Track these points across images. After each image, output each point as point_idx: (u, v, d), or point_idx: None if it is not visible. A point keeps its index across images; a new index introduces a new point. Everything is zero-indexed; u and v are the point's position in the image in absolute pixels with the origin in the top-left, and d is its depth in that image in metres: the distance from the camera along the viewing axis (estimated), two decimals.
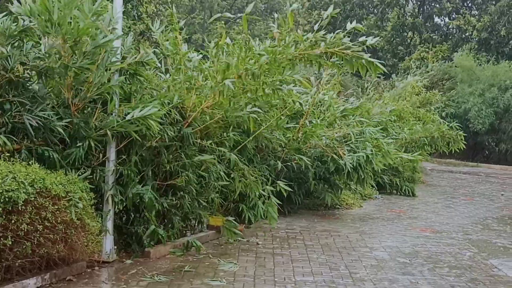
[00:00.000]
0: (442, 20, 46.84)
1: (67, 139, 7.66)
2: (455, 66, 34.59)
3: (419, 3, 44.56)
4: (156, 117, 7.99)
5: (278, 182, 10.83)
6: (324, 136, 13.17)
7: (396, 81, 32.77)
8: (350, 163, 12.66)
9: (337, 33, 9.33)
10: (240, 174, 10.03)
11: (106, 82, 7.88)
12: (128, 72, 8.37)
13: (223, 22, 44.85)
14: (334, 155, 12.81)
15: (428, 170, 25.50)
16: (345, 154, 12.76)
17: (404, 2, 44.06)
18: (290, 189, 11.13)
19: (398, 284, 8.09)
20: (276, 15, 9.95)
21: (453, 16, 42.35)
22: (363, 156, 12.89)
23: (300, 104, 12.64)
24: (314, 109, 13.48)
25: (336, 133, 13.38)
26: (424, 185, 21.03)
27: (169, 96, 8.94)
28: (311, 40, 9.34)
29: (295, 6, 9.86)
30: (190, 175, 9.07)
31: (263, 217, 10.08)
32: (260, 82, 9.45)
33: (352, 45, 9.23)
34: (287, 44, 9.32)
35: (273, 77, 9.63)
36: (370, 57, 9.29)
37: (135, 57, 8.29)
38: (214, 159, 9.40)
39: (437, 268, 9.08)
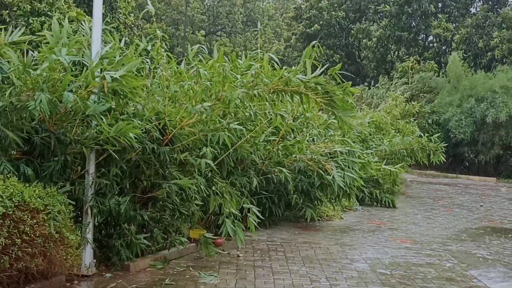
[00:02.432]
0: (423, 34, 47.26)
1: (43, 153, 7.63)
2: (444, 73, 34.86)
3: (408, 17, 44.93)
4: (135, 132, 7.91)
5: (251, 206, 10.65)
6: (308, 150, 13.18)
7: (378, 91, 33.04)
8: (342, 181, 12.71)
9: (315, 76, 9.33)
10: (216, 190, 10.03)
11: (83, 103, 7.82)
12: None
13: (204, 34, 44.96)
14: (319, 170, 12.84)
15: (408, 182, 25.64)
16: (332, 170, 12.79)
17: (395, 14, 44.34)
18: (260, 217, 10.95)
19: None
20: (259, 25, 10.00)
21: (433, 28, 42.74)
22: (350, 176, 13.00)
23: (282, 116, 12.62)
24: (294, 122, 13.47)
25: (321, 148, 13.40)
26: (404, 196, 21.13)
27: (150, 113, 8.87)
28: (283, 77, 9.35)
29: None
30: (172, 186, 9.05)
31: (231, 236, 9.93)
32: (240, 107, 9.54)
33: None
34: (260, 79, 9.33)
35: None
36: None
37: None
38: (193, 184, 9.34)
39: (417, 279, 9.11)
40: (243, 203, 10.64)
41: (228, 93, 9.15)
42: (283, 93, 9.53)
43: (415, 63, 39.00)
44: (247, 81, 9.26)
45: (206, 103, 8.93)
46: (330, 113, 9.73)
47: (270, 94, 9.57)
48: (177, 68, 10.67)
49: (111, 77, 7.69)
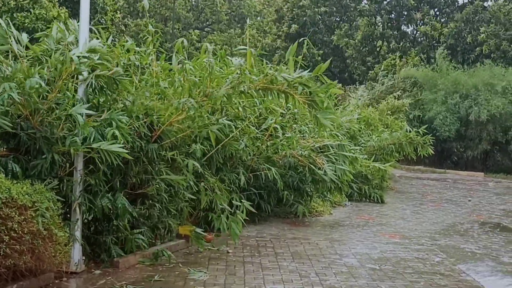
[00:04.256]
0: (409, 28, 47.42)
1: (30, 151, 7.60)
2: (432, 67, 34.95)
3: (388, 13, 45.12)
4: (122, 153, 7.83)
5: (243, 201, 10.65)
6: (298, 146, 13.20)
7: (364, 88, 33.03)
8: (334, 175, 12.75)
9: (299, 76, 9.32)
10: (206, 186, 10.01)
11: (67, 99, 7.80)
12: (97, 84, 8.24)
13: (198, 33, 44.83)
14: (310, 165, 12.85)
15: (396, 177, 25.72)
16: (324, 164, 12.81)
17: (375, 12, 44.58)
18: (253, 210, 10.99)
19: None
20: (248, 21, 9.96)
21: (421, 23, 42.92)
22: (341, 168, 13.05)
23: (273, 112, 12.59)
24: (282, 117, 13.47)
25: (311, 143, 13.42)
26: (393, 191, 21.19)
27: (139, 109, 8.84)
28: (268, 75, 9.35)
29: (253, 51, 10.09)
30: (161, 184, 9.03)
31: (225, 231, 9.98)
32: (228, 103, 9.52)
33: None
34: (246, 77, 9.33)
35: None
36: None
37: (107, 71, 8.21)
38: (184, 179, 9.33)
39: (406, 274, 9.14)
40: (233, 200, 10.63)
41: (215, 90, 9.13)
42: (269, 91, 9.52)
43: (398, 61, 39.06)
44: (232, 77, 9.25)
45: (191, 99, 8.91)
46: (310, 113, 9.70)
47: (257, 92, 9.55)
48: (169, 64, 10.63)
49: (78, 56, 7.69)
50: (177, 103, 9.05)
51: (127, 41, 9.88)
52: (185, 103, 8.90)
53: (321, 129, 10.03)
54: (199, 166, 9.59)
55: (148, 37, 10.17)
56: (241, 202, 10.51)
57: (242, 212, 10.19)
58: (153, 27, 10.22)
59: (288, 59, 9.57)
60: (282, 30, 48.49)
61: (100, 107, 8.38)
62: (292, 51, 9.62)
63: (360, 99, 30.77)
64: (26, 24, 18.50)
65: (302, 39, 9.70)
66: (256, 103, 11.15)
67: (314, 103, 9.34)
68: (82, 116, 7.65)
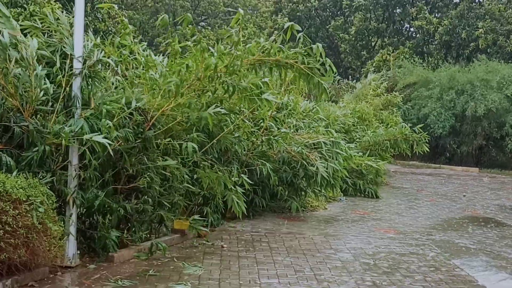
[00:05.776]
0: (403, 26, 47.42)
1: (22, 144, 7.60)
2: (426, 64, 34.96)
3: (384, 8, 45.16)
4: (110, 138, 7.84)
5: (242, 176, 10.76)
6: (292, 142, 13.20)
7: (354, 84, 33.00)
8: (326, 171, 12.77)
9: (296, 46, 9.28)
10: (205, 172, 9.98)
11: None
12: (89, 75, 8.23)
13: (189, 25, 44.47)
14: (303, 161, 12.86)
15: (391, 172, 25.75)
16: (316, 160, 12.83)
17: (370, 8, 44.58)
18: (251, 182, 11.10)
19: (362, 285, 8.14)
20: (241, 11, 9.79)
21: (415, 19, 42.96)
22: (334, 166, 13.08)
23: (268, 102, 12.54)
24: (277, 112, 13.45)
25: (305, 139, 13.42)
26: (388, 186, 21.22)
27: (128, 98, 8.81)
28: (265, 48, 9.28)
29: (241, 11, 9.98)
30: (153, 176, 9.00)
31: (238, 209, 10.02)
32: (219, 82, 9.41)
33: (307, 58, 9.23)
34: (242, 50, 9.26)
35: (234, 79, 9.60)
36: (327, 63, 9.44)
37: (95, 59, 8.21)
38: (178, 164, 9.32)
39: (401, 268, 9.15)
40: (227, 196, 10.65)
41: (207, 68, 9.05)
42: (262, 66, 9.43)
43: (389, 55, 39.01)
44: (227, 52, 9.21)
45: (172, 79, 8.89)
46: (309, 80, 9.59)
47: (251, 67, 9.46)
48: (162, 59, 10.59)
49: None
50: (164, 83, 9.00)
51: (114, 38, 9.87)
52: (169, 83, 8.86)
53: (321, 96, 9.91)
54: (196, 147, 9.55)
55: (128, 30, 10.13)
56: (239, 176, 10.54)
57: (242, 185, 10.27)
58: (126, 19, 10.22)
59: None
60: (277, 24, 48.48)
61: (90, 98, 8.36)
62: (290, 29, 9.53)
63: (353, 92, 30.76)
64: (19, 22, 18.51)
65: (299, 35, 9.56)
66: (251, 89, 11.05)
67: (313, 70, 9.27)
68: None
